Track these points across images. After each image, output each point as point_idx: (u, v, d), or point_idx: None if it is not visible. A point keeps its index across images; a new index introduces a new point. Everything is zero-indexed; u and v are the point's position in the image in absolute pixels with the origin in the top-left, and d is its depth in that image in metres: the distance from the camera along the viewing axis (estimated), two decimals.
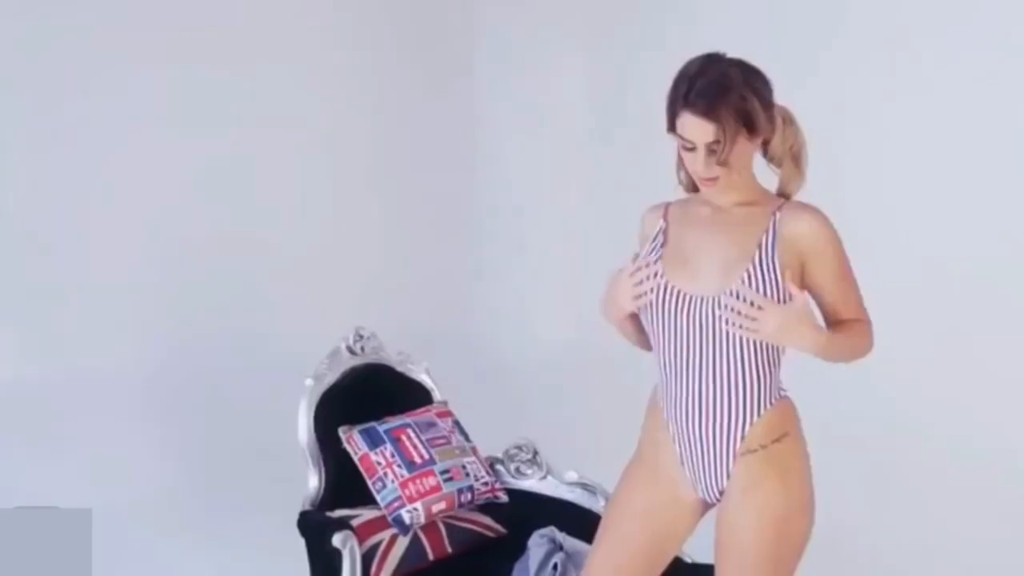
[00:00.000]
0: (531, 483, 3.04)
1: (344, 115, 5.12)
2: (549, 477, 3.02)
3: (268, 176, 4.90)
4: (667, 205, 2.21)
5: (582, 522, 2.78)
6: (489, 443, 3.10)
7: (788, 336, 1.95)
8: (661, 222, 2.17)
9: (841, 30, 4.43)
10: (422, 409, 3.01)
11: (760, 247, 2.01)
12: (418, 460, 2.81)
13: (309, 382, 2.94)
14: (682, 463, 2.15)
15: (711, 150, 1.96)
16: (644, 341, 2.21)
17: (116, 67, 4.46)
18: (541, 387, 4.97)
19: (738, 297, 1.98)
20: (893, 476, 4.05)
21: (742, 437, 2.07)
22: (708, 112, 1.93)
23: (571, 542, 2.73)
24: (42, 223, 4.46)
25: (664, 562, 2.25)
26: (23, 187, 4.45)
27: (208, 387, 4.51)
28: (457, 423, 3.02)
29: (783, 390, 2.13)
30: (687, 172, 2.09)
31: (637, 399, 4.15)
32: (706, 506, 2.19)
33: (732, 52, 2.00)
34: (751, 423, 2.06)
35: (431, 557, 2.76)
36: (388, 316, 3.90)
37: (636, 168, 4.22)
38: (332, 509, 2.80)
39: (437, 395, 3.15)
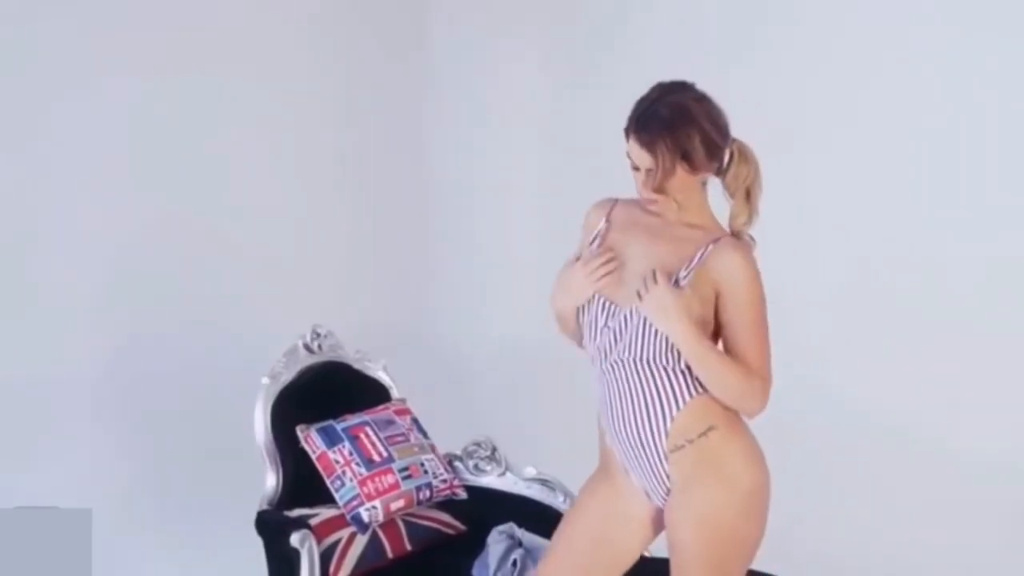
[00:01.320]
0: (490, 480, 3.05)
1: (300, 115, 5.07)
2: (508, 474, 3.03)
3: (221, 175, 4.85)
4: (614, 204, 2.23)
5: (541, 518, 2.80)
6: (448, 440, 3.10)
7: (661, 318, 2.01)
8: (603, 224, 2.21)
9: (799, 30, 4.47)
10: (380, 407, 3.00)
11: (686, 271, 2.06)
12: (376, 458, 2.81)
13: (265, 380, 2.92)
14: (626, 471, 2.18)
15: (650, 175, 2.03)
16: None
17: (64, 67, 4.39)
18: (499, 384, 4.97)
19: (631, 321, 2.05)
20: (850, 475, 4.10)
21: (667, 434, 2.08)
22: (647, 143, 2.00)
23: (530, 538, 2.74)
24: None
25: (620, 570, 2.26)
26: None
27: (163, 387, 4.46)
28: (415, 421, 3.02)
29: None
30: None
31: (593, 396, 4.17)
32: (659, 521, 2.20)
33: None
34: (671, 418, 2.07)
35: (390, 555, 2.75)
36: (345, 314, 3.88)
37: (589, 167, 4.24)
38: (290, 508, 2.78)
39: (395, 393, 3.14)
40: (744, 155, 2.10)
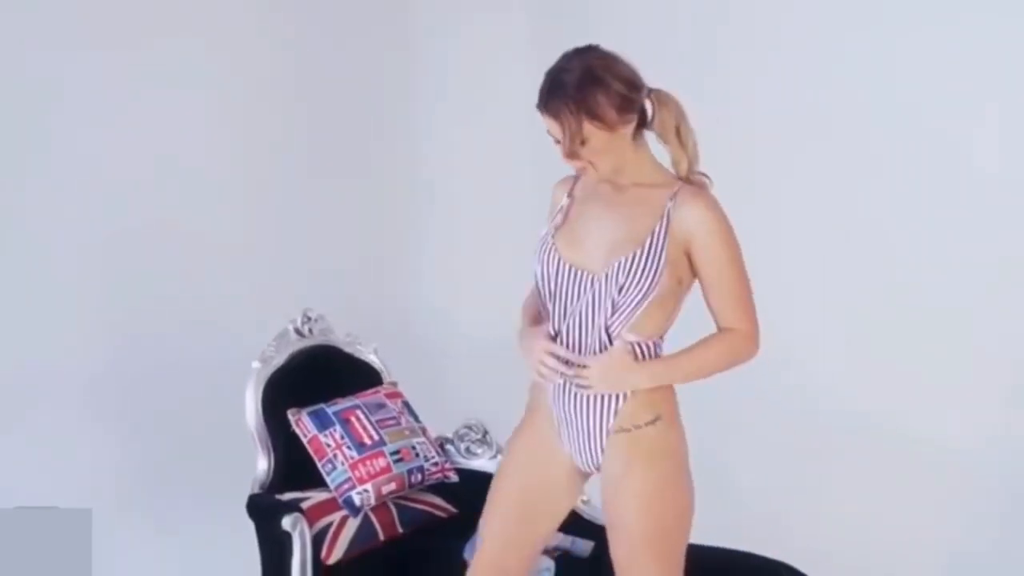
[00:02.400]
0: (481, 462, 3.06)
1: (284, 101, 5.05)
2: (499, 456, 3.03)
3: (210, 165, 4.83)
4: (575, 179, 2.24)
5: None
6: (439, 423, 3.10)
7: (613, 384, 2.07)
8: (566, 198, 2.22)
9: (792, 16, 4.46)
10: (371, 391, 3.01)
11: (652, 234, 2.05)
12: (368, 441, 2.81)
13: (256, 365, 2.92)
14: (559, 433, 2.19)
15: (558, 140, 2.04)
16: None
17: (43, 58, 4.35)
18: (491, 367, 4.97)
19: (610, 282, 2.05)
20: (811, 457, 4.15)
21: (615, 413, 2.11)
22: (552, 111, 2.01)
23: None
24: None
25: (548, 521, 2.28)
26: None
27: (154, 373, 4.44)
28: (407, 404, 3.02)
29: None
30: None
31: None
32: (584, 476, 2.25)
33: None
34: (623, 400, 2.10)
35: (382, 537, 2.76)
36: (335, 298, 3.87)
37: None
38: (282, 492, 2.79)
39: (386, 376, 3.14)
40: (662, 100, 2.10)
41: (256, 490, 2.82)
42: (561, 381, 2.10)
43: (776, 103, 4.42)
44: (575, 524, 2.77)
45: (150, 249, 4.64)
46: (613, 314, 2.06)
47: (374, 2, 5.32)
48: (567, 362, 2.08)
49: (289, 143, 5.08)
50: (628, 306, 2.05)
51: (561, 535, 2.72)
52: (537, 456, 2.23)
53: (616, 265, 2.04)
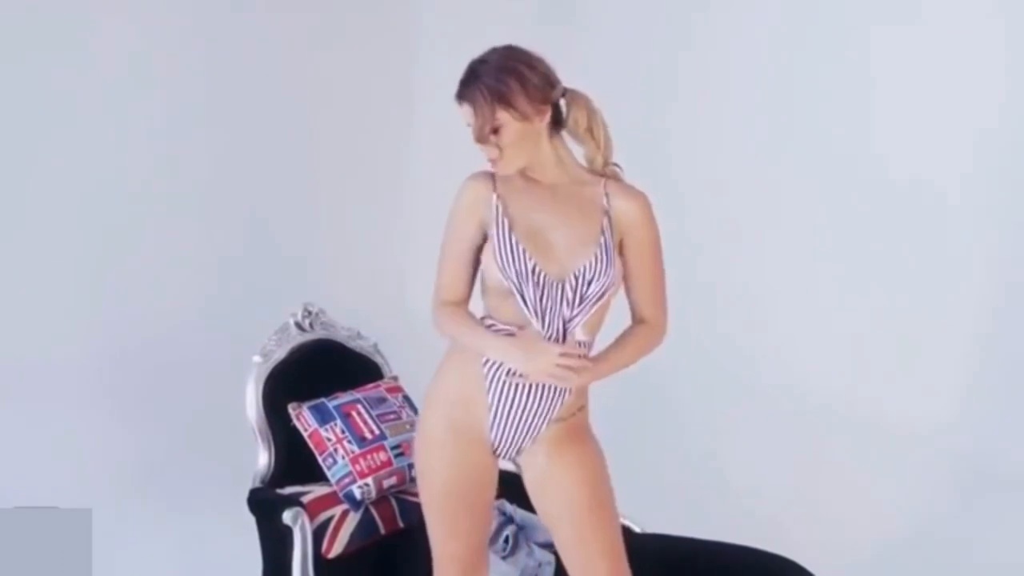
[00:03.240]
0: None
1: (283, 97, 5.06)
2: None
3: (217, 157, 4.83)
4: (490, 176, 2.20)
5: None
6: None
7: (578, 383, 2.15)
8: (494, 198, 2.18)
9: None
10: (372, 385, 3.00)
11: (603, 232, 2.14)
12: (369, 435, 2.81)
13: (257, 359, 2.92)
14: (491, 425, 2.22)
15: (493, 131, 2.09)
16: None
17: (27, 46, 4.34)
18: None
19: (580, 283, 2.12)
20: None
21: (560, 406, 2.20)
22: (467, 97, 2.09)
23: (522, 514, 2.75)
24: None
25: (487, 508, 2.35)
26: None
27: (155, 370, 4.45)
28: (407, 398, 3.02)
29: None
30: None
31: None
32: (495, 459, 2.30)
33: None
34: (569, 394, 2.20)
35: (383, 531, 2.77)
36: (336, 292, 3.87)
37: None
38: (282, 486, 2.79)
39: (387, 370, 3.14)
40: (575, 99, 2.17)
41: (257, 484, 2.82)
42: (574, 381, 2.13)
43: (773, 104, 4.46)
44: None
45: (149, 245, 4.65)
46: (576, 314, 2.13)
47: (375, 3, 5.33)
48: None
49: (291, 139, 5.09)
50: (590, 304, 2.13)
51: None
52: (464, 449, 2.25)
53: (584, 267, 2.12)
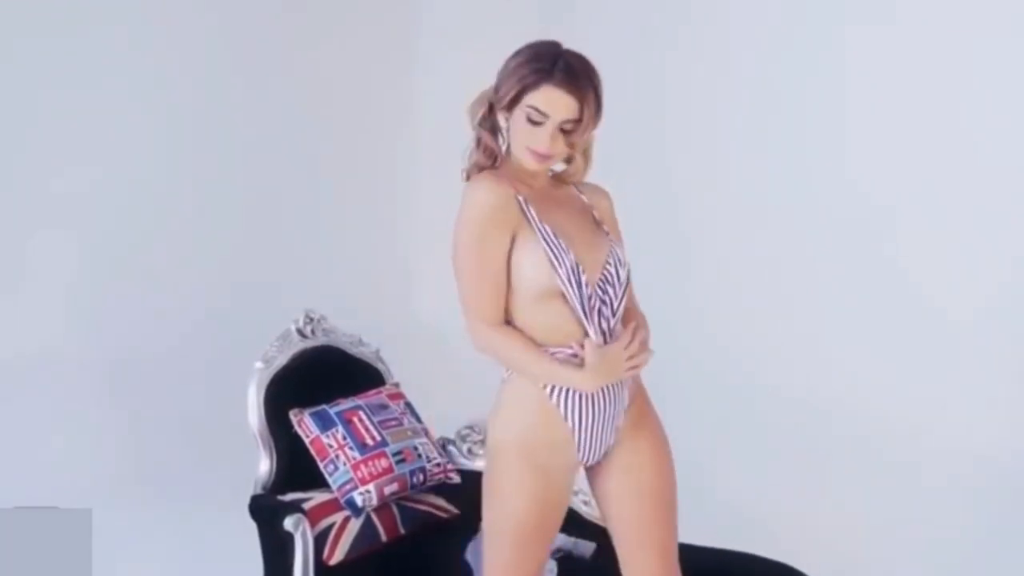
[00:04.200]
0: (483, 463, 3.04)
1: (284, 102, 5.07)
2: None
3: (220, 161, 4.84)
4: (503, 177, 2.09)
5: None
6: (441, 424, 3.10)
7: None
8: (521, 199, 2.07)
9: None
10: (373, 391, 3.00)
11: (599, 223, 2.21)
12: (370, 442, 2.81)
13: (259, 365, 2.92)
14: (574, 434, 2.12)
15: (563, 129, 2.02)
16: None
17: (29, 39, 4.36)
18: (493, 367, 4.98)
19: (610, 273, 2.13)
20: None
21: (627, 392, 2.18)
22: (575, 89, 2.00)
23: None
24: None
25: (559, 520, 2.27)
26: None
27: (156, 374, 4.46)
28: (409, 405, 3.02)
29: None
30: (488, 153, 2.11)
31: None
32: (580, 468, 2.23)
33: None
34: (632, 379, 2.18)
35: (384, 538, 2.76)
36: (338, 298, 3.88)
37: None
38: (284, 492, 2.79)
39: (388, 377, 3.14)
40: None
41: (258, 491, 2.82)
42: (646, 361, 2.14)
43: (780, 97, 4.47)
44: (577, 525, 2.77)
45: (151, 249, 4.66)
46: (619, 304, 2.14)
47: (376, 4, 5.33)
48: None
49: (295, 143, 5.10)
50: (623, 291, 2.15)
51: (563, 536, 2.72)
52: (547, 482, 2.12)
53: (608, 258, 2.14)
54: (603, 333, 2.10)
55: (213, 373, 3.98)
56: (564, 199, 2.19)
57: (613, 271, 2.13)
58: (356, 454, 2.78)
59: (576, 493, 2.88)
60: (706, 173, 4.72)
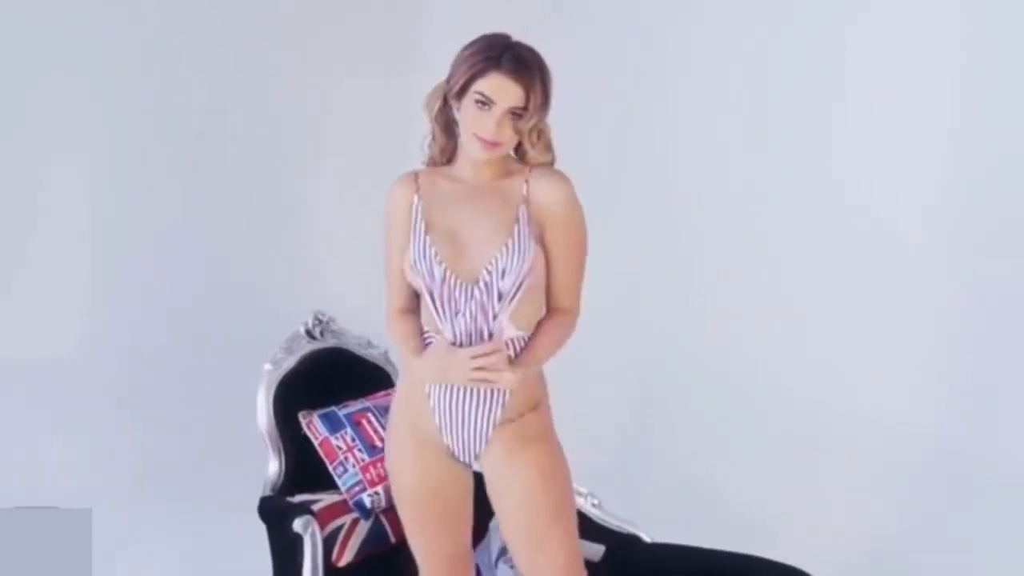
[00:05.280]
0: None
1: (290, 102, 5.07)
2: None
3: (233, 163, 4.84)
4: (416, 176, 2.24)
5: None
6: None
7: (508, 383, 2.10)
8: (415, 198, 2.20)
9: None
10: (382, 393, 3.00)
11: (518, 221, 2.13)
12: (379, 444, 2.81)
13: (268, 367, 2.92)
14: (440, 431, 2.22)
15: (514, 113, 2.07)
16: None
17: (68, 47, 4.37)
18: None
19: (494, 278, 2.10)
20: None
21: (502, 407, 2.18)
22: (522, 77, 2.06)
23: None
24: None
25: (467, 513, 2.36)
26: None
27: (164, 374, 4.47)
28: None
29: None
30: (441, 148, 2.21)
31: (595, 379, 4.20)
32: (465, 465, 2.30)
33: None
34: (508, 393, 2.17)
35: (393, 540, 2.76)
36: (347, 300, 3.88)
37: (587, 137, 4.38)
38: (292, 494, 2.79)
39: (397, 379, 3.13)
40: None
41: (267, 492, 2.82)
42: (505, 378, 2.11)
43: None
44: (586, 528, 2.77)
45: (161, 251, 4.67)
46: (500, 310, 2.12)
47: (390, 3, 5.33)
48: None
49: (304, 144, 5.10)
50: (510, 297, 2.11)
51: None
52: (428, 459, 2.26)
53: (495, 260, 2.10)
54: (468, 334, 2.13)
55: (222, 374, 3.98)
56: (490, 195, 2.16)
57: (493, 274, 2.11)
58: (365, 456, 2.78)
59: (585, 496, 2.88)
60: (705, 174, 4.72)
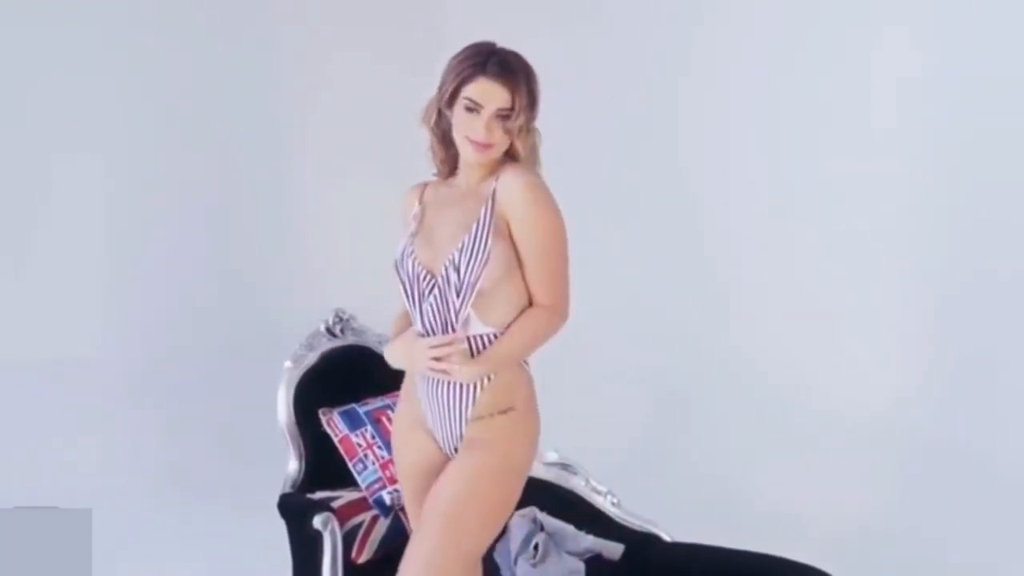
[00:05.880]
0: None
1: (308, 101, 5.08)
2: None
3: (252, 163, 4.85)
4: (424, 186, 2.36)
5: (562, 502, 2.80)
6: None
7: (468, 373, 2.15)
8: (417, 205, 2.33)
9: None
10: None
11: (479, 219, 2.17)
12: None
13: (288, 364, 2.93)
14: (429, 421, 2.28)
15: (501, 115, 2.14)
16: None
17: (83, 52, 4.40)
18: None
19: (450, 272, 2.15)
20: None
21: (473, 402, 2.20)
22: (507, 80, 2.14)
23: (551, 522, 2.75)
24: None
25: None
26: None
27: (186, 372, 4.48)
28: None
29: (524, 365, 2.26)
30: (441, 160, 2.29)
31: (610, 375, 4.19)
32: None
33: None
34: (479, 390, 2.19)
35: None
36: (367, 298, 3.88)
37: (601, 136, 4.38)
38: (312, 491, 2.80)
39: None
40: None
41: (287, 489, 2.83)
42: (457, 369, 2.15)
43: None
44: (605, 527, 2.77)
45: (180, 250, 4.68)
46: (461, 305, 2.15)
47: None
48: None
49: (323, 143, 5.11)
50: (469, 291, 2.14)
51: (591, 538, 2.72)
52: (412, 439, 2.30)
53: (453, 255, 2.15)
54: (431, 327, 2.20)
55: (238, 373, 4.00)
56: (471, 196, 2.22)
57: (450, 268, 2.16)
58: (384, 453, 2.78)
59: (604, 494, 2.87)
60: (729, 175, 4.71)
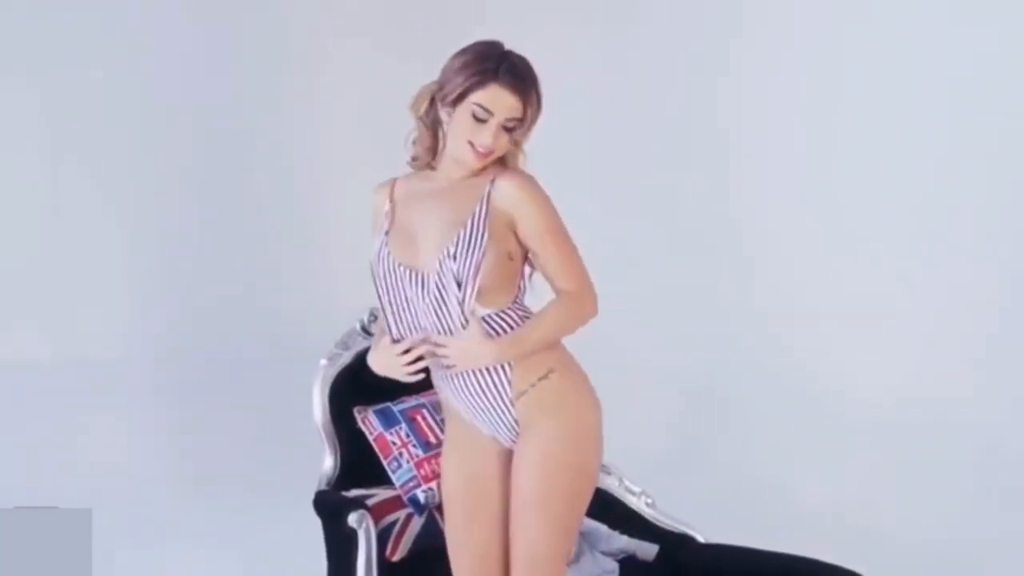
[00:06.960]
0: None
1: (330, 98, 5.08)
2: None
3: (285, 160, 4.87)
4: (393, 183, 2.33)
5: (596, 500, 2.78)
6: None
7: (471, 361, 2.15)
8: (387, 204, 2.29)
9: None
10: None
11: (472, 216, 2.14)
12: (433, 440, 2.82)
13: (323, 363, 2.94)
14: (473, 419, 2.26)
15: (506, 126, 2.12)
16: None
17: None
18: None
19: (446, 267, 2.12)
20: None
21: (509, 383, 2.17)
22: (519, 90, 2.10)
23: (585, 522, 2.74)
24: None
25: (496, 501, 2.30)
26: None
27: (221, 370, 4.51)
28: None
29: None
30: (426, 148, 2.24)
31: (644, 374, 4.18)
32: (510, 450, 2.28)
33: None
34: (511, 369, 2.17)
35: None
36: None
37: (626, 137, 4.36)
38: (347, 489, 2.81)
39: None
40: None
41: (322, 486, 2.84)
42: (440, 370, 2.18)
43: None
44: (639, 527, 2.76)
45: (215, 244, 4.71)
46: (465, 295, 2.13)
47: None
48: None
49: (350, 142, 5.12)
50: (471, 280, 2.12)
51: (625, 538, 2.71)
52: (468, 451, 2.30)
53: (446, 250, 2.13)
54: (409, 328, 2.21)
55: (277, 370, 4.02)
56: (458, 190, 2.20)
57: (445, 260, 2.14)
58: (419, 452, 2.79)
59: (638, 495, 2.86)
60: (768, 173, 4.69)
